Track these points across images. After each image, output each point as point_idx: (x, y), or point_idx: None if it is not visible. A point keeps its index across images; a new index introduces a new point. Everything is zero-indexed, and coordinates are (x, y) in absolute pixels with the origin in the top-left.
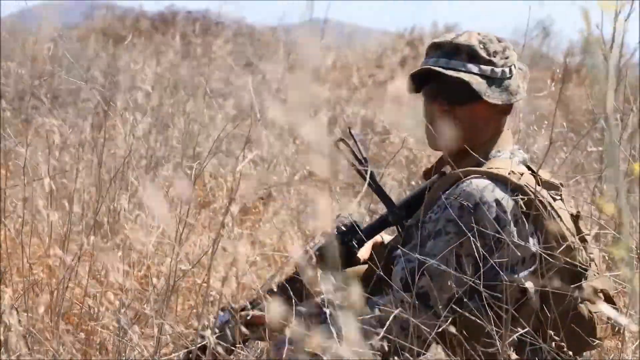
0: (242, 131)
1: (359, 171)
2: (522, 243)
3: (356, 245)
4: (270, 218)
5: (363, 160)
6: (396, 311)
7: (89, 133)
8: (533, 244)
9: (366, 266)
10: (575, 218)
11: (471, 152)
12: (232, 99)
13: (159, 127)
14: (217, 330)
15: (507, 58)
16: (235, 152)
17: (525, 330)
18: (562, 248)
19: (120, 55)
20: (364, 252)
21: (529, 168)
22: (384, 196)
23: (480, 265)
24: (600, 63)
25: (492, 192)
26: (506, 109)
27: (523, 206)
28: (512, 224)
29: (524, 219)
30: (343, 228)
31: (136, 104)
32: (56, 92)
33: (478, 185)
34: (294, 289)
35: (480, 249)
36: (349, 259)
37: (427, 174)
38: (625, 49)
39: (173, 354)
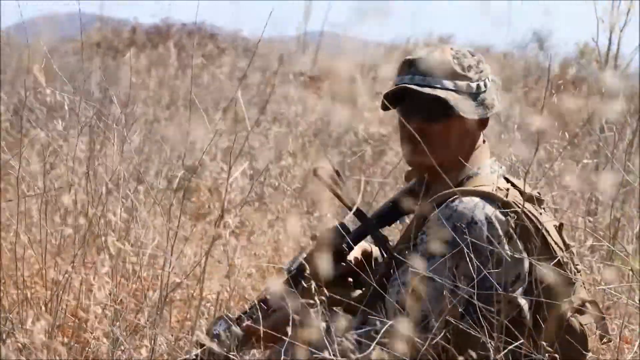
0: (237, 144)
1: (341, 200)
2: (519, 257)
3: (346, 249)
4: (264, 231)
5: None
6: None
7: (83, 146)
8: (526, 259)
9: (353, 270)
10: (559, 229)
11: (450, 167)
12: (227, 111)
13: (153, 140)
14: (215, 340)
15: (481, 72)
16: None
17: (520, 342)
18: (554, 262)
19: (115, 68)
20: (355, 253)
21: (508, 181)
22: (363, 217)
23: (475, 283)
24: (595, 73)
25: (482, 210)
26: (482, 123)
27: (512, 224)
28: (504, 241)
29: (515, 236)
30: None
31: (131, 118)
32: (51, 105)
33: (468, 203)
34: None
35: (480, 266)
36: (338, 263)
37: (407, 177)
38: (621, 59)
39: None
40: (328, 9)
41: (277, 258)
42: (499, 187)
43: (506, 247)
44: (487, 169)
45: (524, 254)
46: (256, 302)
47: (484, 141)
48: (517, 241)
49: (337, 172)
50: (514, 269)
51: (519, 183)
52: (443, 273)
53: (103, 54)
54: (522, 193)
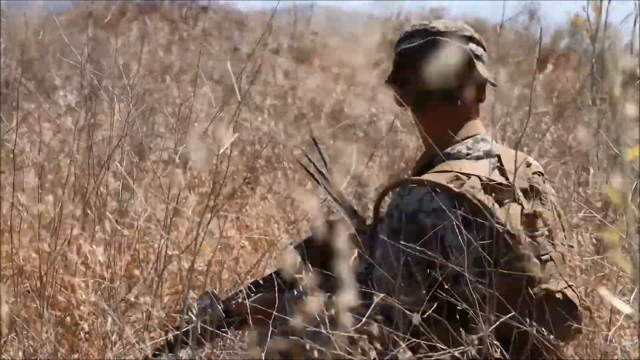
0: (228, 115)
1: (324, 186)
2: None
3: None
4: (257, 202)
5: (326, 173)
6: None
7: (77, 118)
8: (473, 249)
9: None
10: (533, 217)
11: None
12: (219, 83)
13: (146, 112)
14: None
15: (403, 44)
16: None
17: (511, 314)
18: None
19: (106, 40)
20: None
21: (499, 159)
22: (348, 208)
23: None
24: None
25: (430, 202)
26: (444, 97)
27: (465, 211)
28: (450, 232)
29: (464, 227)
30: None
31: (124, 90)
32: (44, 78)
33: (417, 193)
34: (281, 281)
35: (429, 253)
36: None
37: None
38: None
39: (160, 339)
40: None
41: (270, 231)
42: (457, 176)
43: (451, 237)
44: (464, 150)
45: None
46: (246, 284)
47: (471, 118)
48: (469, 230)
49: (323, 160)
50: (462, 259)
51: (510, 157)
52: (389, 260)
53: (94, 25)
54: (488, 181)
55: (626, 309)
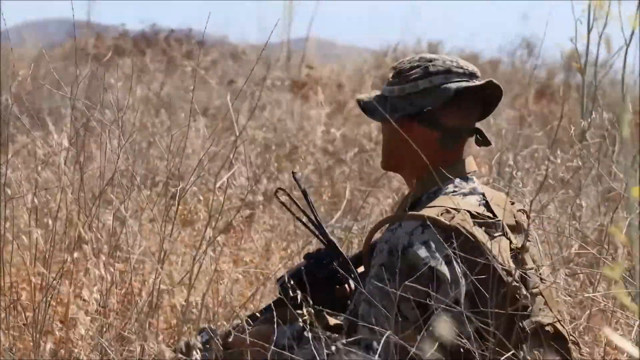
0: (225, 150)
1: (304, 223)
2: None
3: (339, 268)
4: (252, 238)
5: (312, 214)
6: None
7: (70, 150)
8: (464, 285)
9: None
10: (520, 250)
11: (411, 177)
12: (215, 117)
13: (141, 146)
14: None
15: (408, 78)
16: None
17: (511, 352)
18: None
19: (102, 74)
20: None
21: (484, 197)
22: (333, 246)
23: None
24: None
25: (420, 235)
26: (432, 137)
27: (452, 247)
28: (443, 264)
29: (455, 260)
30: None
31: (118, 123)
32: (37, 111)
33: (407, 228)
34: (279, 313)
35: (420, 288)
36: (332, 283)
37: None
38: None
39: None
40: (313, 14)
41: (265, 265)
42: (447, 210)
43: (445, 269)
44: (451, 188)
45: (462, 281)
46: (244, 317)
47: (461, 158)
48: (456, 266)
49: (303, 192)
50: (452, 292)
51: (497, 196)
52: (384, 296)
53: (90, 60)
54: (478, 215)
55: (632, 350)
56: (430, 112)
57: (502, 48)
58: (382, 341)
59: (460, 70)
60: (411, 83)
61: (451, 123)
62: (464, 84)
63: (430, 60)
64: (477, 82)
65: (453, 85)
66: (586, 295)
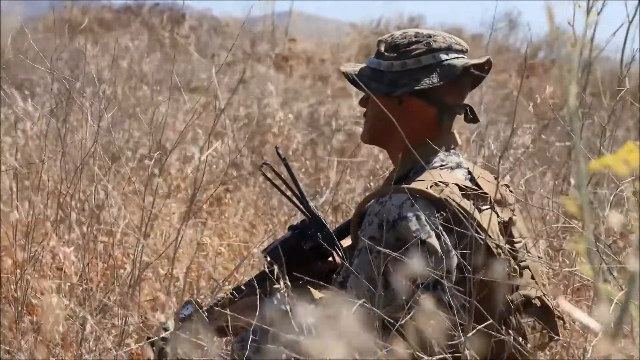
0: (207, 123)
1: (288, 198)
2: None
3: (323, 242)
4: (235, 211)
5: (295, 187)
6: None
7: (52, 123)
8: (454, 255)
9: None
10: (508, 225)
11: (397, 152)
12: (197, 91)
13: (123, 119)
14: (180, 323)
15: (409, 53)
16: (199, 144)
17: (489, 322)
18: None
19: (84, 46)
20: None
21: (469, 172)
22: (317, 220)
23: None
24: (568, 55)
25: (410, 207)
26: (423, 109)
27: (443, 218)
28: (433, 237)
29: (445, 233)
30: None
31: (101, 96)
32: (20, 83)
33: (397, 200)
34: (262, 287)
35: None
36: (317, 254)
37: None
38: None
39: (137, 345)
40: None
41: (248, 237)
42: (436, 183)
43: (435, 242)
44: (438, 162)
45: (452, 252)
46: (228, 292)
47: (450, 132)
48: (446, 238)
49: (286, 166)
50: (441, 265)
51: (483, 179)
52: (372, 269)
53: (71, 32)
54: (466, 188)
55: (591, 322)
56: (434, 89)
57: (483, 22)
58: (357, 305)
59: (459, 47)
60: (413, 59)
61: (449, 99)
62: (466, 61)
63: (430, 36)
64: (478, 60)
65: (458, 62)
66: (565, 270)
